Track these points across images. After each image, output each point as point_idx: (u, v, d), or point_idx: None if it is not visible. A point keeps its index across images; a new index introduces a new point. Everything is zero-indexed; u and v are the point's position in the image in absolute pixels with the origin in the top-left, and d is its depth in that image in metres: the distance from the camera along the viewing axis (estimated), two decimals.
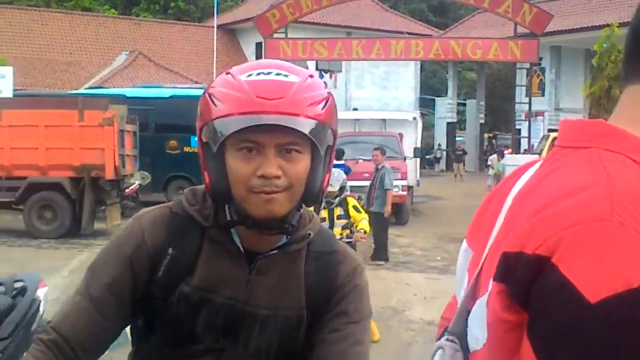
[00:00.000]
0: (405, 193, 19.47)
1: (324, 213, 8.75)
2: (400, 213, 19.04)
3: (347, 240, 8.24)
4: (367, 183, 14.99)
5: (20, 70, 34.28)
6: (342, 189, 8.92)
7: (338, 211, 9.02)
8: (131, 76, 33.87)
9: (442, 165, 45.48)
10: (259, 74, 1.70)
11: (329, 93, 1.76)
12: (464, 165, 38.87)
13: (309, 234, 1.85)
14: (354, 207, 8.93)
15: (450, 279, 12.79)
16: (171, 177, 23.05)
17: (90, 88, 28.07)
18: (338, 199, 8.91)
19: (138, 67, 35.76)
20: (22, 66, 35.27)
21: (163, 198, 23.18)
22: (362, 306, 1.88)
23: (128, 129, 17.30)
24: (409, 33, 32.04)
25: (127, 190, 18.67)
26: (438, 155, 46.37)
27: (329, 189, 7.76)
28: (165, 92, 23.57)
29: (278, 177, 1.66)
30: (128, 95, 22.47)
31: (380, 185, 13.99)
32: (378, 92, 41.96)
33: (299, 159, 1.70)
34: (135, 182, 19.61)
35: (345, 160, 18.60)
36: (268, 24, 21.73)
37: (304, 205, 1.86)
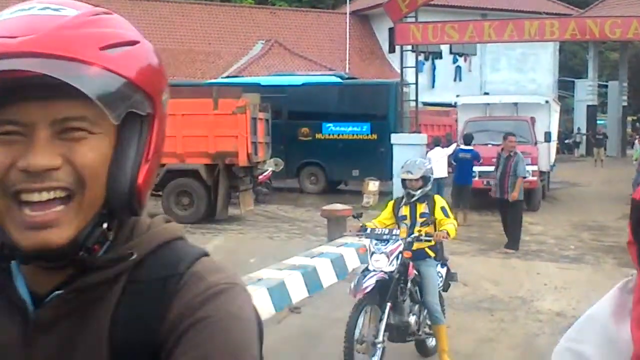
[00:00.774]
0: (535, 178, 19.07)
1: (404, 210, 7.39)
2: (531, 199, 18.56)
3: (426, 238, 7.08)
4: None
5: (162, 61, 35.67)
6: (426, 179, 7.33)
7: (421, 208, 7.33)
8: (267, 64, 34.55)
9: (582, 150, 43.79)
10: (16, 11, 1.11)
11: (137, 41, 1.21)
12: (605, 150, 37.27)
13: (130, 254, 1.15)
14: (442, 208, 7.27)
15: (583, 268, 12.43)
16: (303, 164, 23.42)
17: (227, 77, 28.88)
18: (421, 191, 7.31)
19: (274, 55, 36.44)
20: (164, 57, 34.95)
21: (296, 184, 23.65)
22: (215, 354, 1.08)
23: (260, 116, 17.67)
24: (547, 13, 30.99)
25: (260, 177, 19.14)
26: (577, 140, 44.71)
27: (408, 176, 7.34)
28: (298, 80, 23.94)
29: (56, 169, 1.07)
30: (262, 83, 23.01)
31: (514, 172, 13.69)
32: (514, 74, 40.94)
33: (91, 141, 1.10)
34: (269, 169, 20.05)
35: (475, 145, 18.33)
36: (398, 8, 21.55)
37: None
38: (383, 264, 6.82)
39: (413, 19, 22.06)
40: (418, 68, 23.32)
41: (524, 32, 21.20)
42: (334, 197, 20.55)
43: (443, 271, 7.59)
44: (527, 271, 12.17)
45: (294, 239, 15.13)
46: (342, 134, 23.16)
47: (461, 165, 17.87)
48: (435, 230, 7.19)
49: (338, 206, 13.82)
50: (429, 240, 7.13)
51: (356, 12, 42.69)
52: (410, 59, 23.77)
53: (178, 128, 16.62)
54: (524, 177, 13.61)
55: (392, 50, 23.39)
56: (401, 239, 6.98)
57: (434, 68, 40.48)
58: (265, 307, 8.87)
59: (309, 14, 44.13)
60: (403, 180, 7.40)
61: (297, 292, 9.89)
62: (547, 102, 22.20)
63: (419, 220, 7.29)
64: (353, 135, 23.02)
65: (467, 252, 13.86)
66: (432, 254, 7.34)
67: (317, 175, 23.58)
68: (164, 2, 43.25)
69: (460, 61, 41.49)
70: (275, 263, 10.98)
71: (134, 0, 42.07)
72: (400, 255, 6.91)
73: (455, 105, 23.91)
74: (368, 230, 7.25)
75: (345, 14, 41.14)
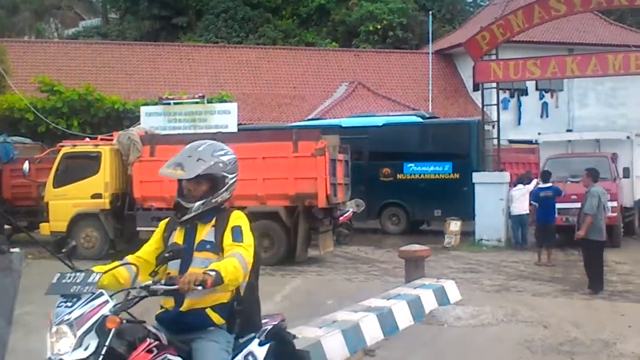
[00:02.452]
0: (615, 214, 18.88)
1: (177, 235, 4.64)
2: (611, 235, 18.09)
3: (168, 286, 4.14)
4: (576, 205, 14.49)
5: (248, 106, 36.52)
6: (215, 181, 4.67)
7: (203, 232, 4.58)
8: (350, 106, 34.81)
9: None
10: None
11: None
12: None
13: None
14: (235, 228, 4.46)
15: None
16: (385, 204, 23.41)
17: (310, 119, 29.22)
18: (202, 203, 4.60)
19: (357, 97, 36.70)
20: (250, 101, 37.52)
21: (378, 225, 23.59)
22: None
23: (340, 158, 17.80)
24: (635, 46, 30.23)
25: (341, 218, 19.20)
26: None
27: (176, 173, 4.64)
28: (379, 121, 24.06)
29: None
30: (343, 125, 23.23)
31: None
32: (603, 109, 39.98)
33: None
34: (349, 210, 20.10)
35: (553, 182, 18.09)
36: (478, 46, 21.46)
37: None
38: (64, 346, 3.87)
39: (494, 57, 21.91)
40: (502, 105, 23.12)
41: (607, 66, 20.75)
42: (415, 237, 20.43)
43: (259, 354, 4.64)
44: (612, 312, 11.75)
45: (372, 280, 15.07)
46: (424, 174, 23.06)
47: (543, 204, 17.55)
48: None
49: (416, 247, 13.71)
50: (174, 291, 4.11)
51: (439, 51, 42.66)
52: (493, 96, 23.56)
53: (259, 171, 16.93)
54: (590, 214, 13.20)
55: (476, 88, 23.30)
56: (109, 295, 4.08)
57: (519, 105, 39.91)
58: (339, 350, 8.83)
59: (392, 55, 44.34)
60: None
61: (372, 334, 9.80)
62: (628, 137, 21.99)
63: (198, 255, 4.47)
64: (435, 174, 22.90)
65: (549, 293, 13.50)
66: (219, 320, 4.42)
67: (399, 216, 23.49)
68: (250, 48, 44.35)
69: (547, 97, 40.77)
70: (352, 305, 10.94)
71: (222, 48, 43.30)
72: (104, 329, 3.89)
73: (537, 143, 23.68)
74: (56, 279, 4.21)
75: (428, 53, 41.16)
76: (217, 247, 4.44)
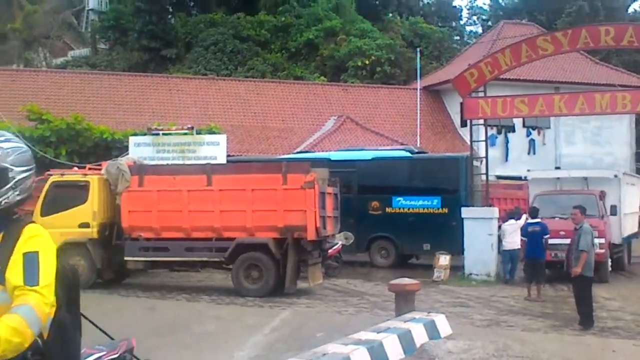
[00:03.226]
0: (603, 251, 19.01)
1: None
2: (599, 271, 18.11)
3: None
4: (564, 241, 14.57)
5: (237, 138, 36.52)
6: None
7: None
8: (339, 140, 34.88)
9: None
10: None
11: None
12: None
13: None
14: (28, 257, 3.25)
15: None
16: (374, 237, 23.38)
17: (299, 152, 29.25)
18: None
19: (345, 130, 36.80)
20: (239, 133, 37.55)
21: (367, 257, 23.54)
22: None
23: (329, 191, 17.80)
24: (621, 85, 30.58)
25: (330, 251, 19.16)
26: None
27: None
28: (368, 154, 24.12)
29: None
30: (332, 158, 23.27)
31: (577, 246, 13.38)
32: (590, 147, 40.35)
33: None
34: (338, 243, 20.06)
35: (542, 218, 18.18)
36: (466, 83, 21.66)
37: None
38: None
39: (482, 94, 22.08)
40: (490, 142, 23.24)
41: (595, 105, 20.98)
42: (404, 271, 20.38)
43: None
44: (602, 349, 11.72)
45: (362, 313, 14.99)
46: (413, 208, 23.07)
47: (532, 239, 17.62)
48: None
49: (406, 280, 13.67)
50: None
51: (427, 87, 42.97)
52: (481, 132, 23.69)
53: (248, 202, 16.92)
54: (586, 252, 13.21)
55: (463, 124, 23.47)
56: None
57: (507, 141, 40.17)
58: None
59: (380, 90, 44.60)
60: None
61: None
62: (616, 176, 22.31)
63: None
64: (424, 209, 22.91)
65: (539, 329, 13.46)
66: None
67: (388, 249, 23.46)
68: (239, 80, 44.50)
69: (534, 134, 41.07)
70: (342, 338, 10.86)
71: (210, 80, 43.43)
72: None
73: (526, 179, 23.85)
74: None
75: (416, 89, 41.44)
76: (1, 275, 3.17)
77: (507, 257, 20.25)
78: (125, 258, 17.79)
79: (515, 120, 37.88)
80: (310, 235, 16.67)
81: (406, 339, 11.13)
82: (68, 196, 18.40)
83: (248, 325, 13.33)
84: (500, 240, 20.58)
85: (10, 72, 43.61)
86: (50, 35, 61.36)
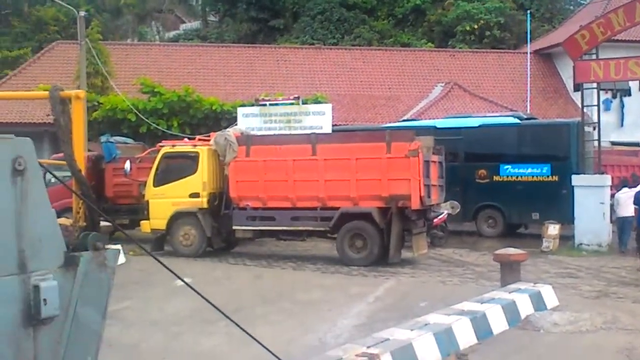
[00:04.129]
0: None
1: None
2: None
3: None
4: None
5: (344, 107, 36.61)
6: None
7: None
8: (446, 107, 34.43)
9: None
10: None
11: None
12: None
13: None
14: None
15: None
16: (481, 207, 22.99)
17: (405, 120, 29.05)
18: None
19: (453, 97, 36.28)
20: (345, 102, 37.60)
21: (473, 227, 23.23)
22: None
23: (434, 159, 17.63)
24: None
25: (435, 220, 19.02)
26: None
27: None
28: (474, 122, 23.68)
29: None
30: (438, 126, 22.99)
31: None
32: None
33: None
34: (444, 212, 19.87)
35: None
36: (577, 45, 20.83)
37: None
38: None
39: (595, 56, 21.25)
40: (604, 106, 22.38)
41: None
42: (512, 240, 20.06)
43: None
44: None
45: (467, 283, 14.86)
46: (521, 176, 22.53)
47: None
48: None
49: (512, 250, 13.45)
50: None
51: (538, 51, 41.71)
52: (594, 97, 22.86)
53: (352, 172, 16.97)
54: None
55: (576, 88, 22.62)
56: None
57: (622, 106, 38.59)
58: (431, 353, 8.75)
59: (489, 55, 43.62)
60: None
61: (465, 338, 9.66)
62: None
63: None
64: (532, 177, 22.33)
65: None
66: None
67: (495, 219, 23.04)
68: (346, 49, 44.47)
69: None
70: (445, 308, 10.82)
71: (317, 49, 43.59)
72: None
73: None
74: None
75: (527, 53, 40.29)
76: None
77: (620, 225, 19.58)
78: (234, 227, 18.21)
79: (631, 84, 36.36)
80: (415, 204, 16.58)
81: (510, 310, 10.97)
82: (179, 167, 18.98)
83: (352, 294, 13.46)
84: (613, 209, 19.89)
85: (125, 46, 45.07)
86: (162, 9, 62.97)
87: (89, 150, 23.61)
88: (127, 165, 19.72)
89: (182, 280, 6.34)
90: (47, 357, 4.53)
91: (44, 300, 4.39)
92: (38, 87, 28.47)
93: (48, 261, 4.55)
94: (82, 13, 28.56)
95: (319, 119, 22.87)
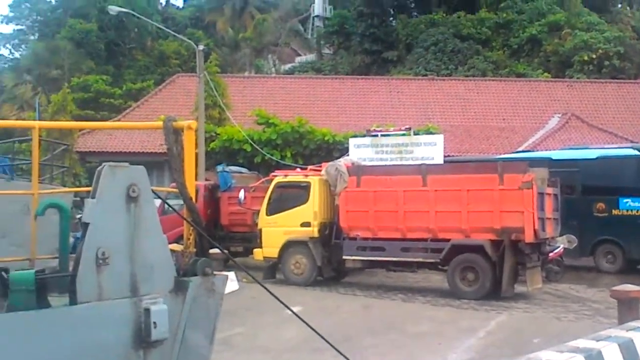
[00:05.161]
0: None
1: None
2: None
3: None
4: None
5: (457, 138, 36.29)
6: None
7: None
8: (563, 138, 33.57)
9: None
10: None
11: None
12: None
13: None
14: None
15: None
16: (599, 241, 22.16)
17: (519, 152, 28.50)
18: None
19: (570, 128, 35.35)
20: (459, 133, 37.27)
21: (591, 262, 22.44)
22: None
23: (549, 191, 17.19)
24: None
25: (550, 254, 18.48)
26: None
27: None
28: (592, 153, 22.95)
29: None
30: (554, 157, 22.42)
31: None
32: None
33: None
34: (560, 246, 19.27)
35: None
36: None
37: None
38: None
39: None
40: None
41: None
42: (634, 277, 19.20)
43: None
44: None
45: (583, 320, 14.34)
46: None
47: None
48: None
49: (630, 287, 12.88)
50: None
51: None
52: None
53: (463, 203, 16.75)
54: None
55: None
56: None
57: None
58: None
59: (608, 85, 42.39)
60: None
61: None
62: None
63: None
64: None
65: None
66: None
67: (615, 254, 22.14)
68: (459, 80, 44.26)
69: None
70: (559, 345, 10.47)
71: (430, 80, 43.54)
72: None
73: None
74: None
75: None
76: None
77: None
78: (344, 257, 18.28)
79: None
80: (529, 237, 16.18)
81: (628, 349, 10.46)
82: (291, 196, 19.26)
83: (462, 328, 13.23)
84: None
85: (242, 79, 46.33)
86: (278, 42, 64.45)
87: (205, 180, 24.33)
88: (242, 194, 20.19)
89: (290, 310, 6.44)
90: None
91: (154, 323, 4.56)
92: (159, 118, 29.56)
93: (159, 285, 4.73)
94: (201, 47, 29.60)
95: (431, 149, 22.70)
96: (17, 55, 69.21)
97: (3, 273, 4.73)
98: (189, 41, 37.12)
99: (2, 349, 3.88)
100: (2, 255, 5.94)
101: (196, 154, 25.22)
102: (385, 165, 20.69)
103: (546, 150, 27.94)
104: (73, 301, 4.32)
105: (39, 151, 6.13)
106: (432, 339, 12.42)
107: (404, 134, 23.99)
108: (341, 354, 6.32)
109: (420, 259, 17.58)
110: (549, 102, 40.48)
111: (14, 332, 3.97)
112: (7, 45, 70.29)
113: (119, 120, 39.29)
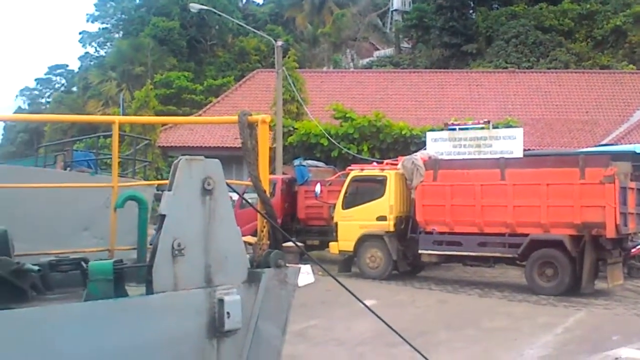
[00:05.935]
0: None
1: None
2: None
3: None
4: None
5: (537, 131, 35.69)
6: None
7: None
8: None
9: None
10: None
11: None
12: None
13: None
14: None
15: None
16: None
17: (601, 145, 27.83)
18: None
19: None
20: (539, 127, 36.64)
21: None
22: None
23: (632, 186, 16.73)
24: None
25: (633, 250, 18.05)
26: None
27: None
28: None
29: None
30: (637, 151, 21.79)
31: None
32: None
33: None
34: None
35: None
36: None
37: None
38: None
39: None
40: None
41: None
42: None
43: None
44: None
45: None
46: None
47: None
48: None
49: None
50: None
51: None
52: None
53: (542, 197, 16.47)
54: None
55: None
56: None
57: None
58: None
59: None
60: None
61: None
62: None
63: None
64: None
65: None
66: None
67: None
68: (541, 72, 43.44)
69: None
70: (638, 342, 10.28)
71: (510, 73, 42.89)
72: None
73: None
74: None
75: None
76: None
77: None
78: (420, 251, 18.22)
79: None
80: (610, 232, 15.80)
81: None
82: (367, 190, 19.31)
83: (539, 324, 13.06)
84: None
85: (320, 73, 46.58)
86: (356, 37, 64.41)
87: (283, 174, 24.59)
88: (318, 188, 20.35)
89: (363, 304, 6.50)
90: None
91: (228, 313, 4.69)
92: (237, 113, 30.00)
93: (232, 276, 4.86)
94: (280, 43, 29.87)
95: (510, 143, 22.41)
96: (102, 53, 71.39)
97: (83, 263, 4.95)
98: (269, 37, 37.55)
99: (81, 336, 4.06)
100: (84, 247, 6.20)
101: (274, 149, 25.66)
102: (463, 159, 20.51)
103: (630, 144, 27.19)
104: (149, 291, 4.48)
105: (119, 145, 6.35)
106: (508, 334, 12.30)
107: (482, 128, 23.74)
108: (415, 349, 6.36)
109: (498, 254, 17.38)
110: (634, 94, 39.36)
111: (92, 320, 4.15)
112: (93, 44, 72.52)
113: (199, 116, 40.06)
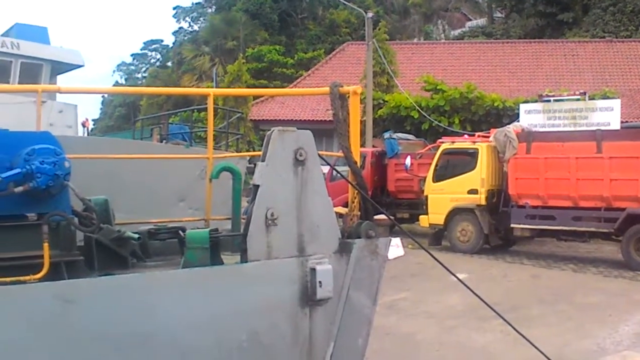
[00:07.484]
0: None
1: None
2: None
3: None
4: None
5: (636, 103, 34.52)
6: None
7: None
8: None
9: None
10: None
11: None
12: None
13: None
14: None
15: None
16: None
17: None
18: None
19: None
20: (638, 98, 35.39)
21: None
22: None
23: None
24: None
25: None
26: None
27: None
28: None
29: None
30: None
31: None
32: None
33: None
34: None
35: None
36: None
37: None
38: None
39: None
40: None
41: None
42: None
43: None
44: None
45: None
46: None
47: None
48: None
49: None
50: None
51: None
52: None
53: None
54: None
55: None
56: None
57: None
58: None
59: None
60: None
61: None
62: None
63: None
64: None
65: None
66: None
67: None
68: (639, 42, 41.80)
69: None
70: None
71: (607, 42, 41.51)
72: None
73: None
74: None
75: None
76: None
77: None
78: (512, 225, 17.96)
79: None
80: None
81: None
82: (458, 163, 19.14)
83: (635, 301, 12.75)
84: None
85: (410, 45, 46.17)
86: (448, 7, 63.44)
87: (373, 147, 24.57)
88: (408, 160, 20.26)
89: (455, 277, 6.49)
90: (321, 336, 4.90)
91: (319, 282, 4.76)
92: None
93: (324, 246, 4.93)
94: (370, 15, 29.72)
95: (607, 115, 21.68)
96: (195, 27, 72.53)
97: (180, 232, 5.12)
98: (359, 9, 37.38)
99: (178, 302, 4.21)
100: (180, 217, 6.39)
101: (364, 122, 25.64)
102: (557, 131, 20.02)
103: None
104: (244, 259, 4.58)
105: (213, 117, 6.48)
106: (603, 310, 12.05)
107: (578, 99, 23.06)
108: (507, 322, 6.31)
109: (593, 229, 16.97)
110: None
111: (189, 286, 4.29)
112: (187, 19, 73.75)
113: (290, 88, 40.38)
